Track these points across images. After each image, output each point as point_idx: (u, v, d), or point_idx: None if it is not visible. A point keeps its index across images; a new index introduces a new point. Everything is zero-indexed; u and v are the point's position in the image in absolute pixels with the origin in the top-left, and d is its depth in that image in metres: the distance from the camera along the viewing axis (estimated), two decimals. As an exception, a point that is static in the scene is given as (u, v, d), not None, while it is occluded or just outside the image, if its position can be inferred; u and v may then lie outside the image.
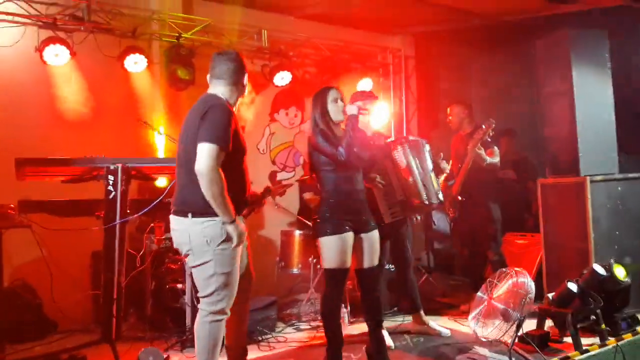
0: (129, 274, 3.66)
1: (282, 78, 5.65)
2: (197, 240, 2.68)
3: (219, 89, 2.85)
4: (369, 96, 3.93)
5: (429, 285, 5.34)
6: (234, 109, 2.86)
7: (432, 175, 3.88)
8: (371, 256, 3.32)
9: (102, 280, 3.51)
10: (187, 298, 3.94)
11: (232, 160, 2.72)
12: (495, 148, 4.59)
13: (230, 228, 2.66)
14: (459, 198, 4.56)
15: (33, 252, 3.49)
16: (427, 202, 3.73)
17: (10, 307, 3.85)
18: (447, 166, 4.69)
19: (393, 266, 4.44)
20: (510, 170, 5.57)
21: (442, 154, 4.62)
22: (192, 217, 2.67)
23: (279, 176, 5.99)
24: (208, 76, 2.93)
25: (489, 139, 4.46)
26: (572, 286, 3.70)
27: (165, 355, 3.59)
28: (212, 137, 2.60)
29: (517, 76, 6.14)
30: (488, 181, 4.63)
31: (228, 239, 2.67)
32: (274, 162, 6.02)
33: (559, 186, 4.55)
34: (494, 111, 6.07)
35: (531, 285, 3.45)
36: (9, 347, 3.73)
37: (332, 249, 3.18)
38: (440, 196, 3.87)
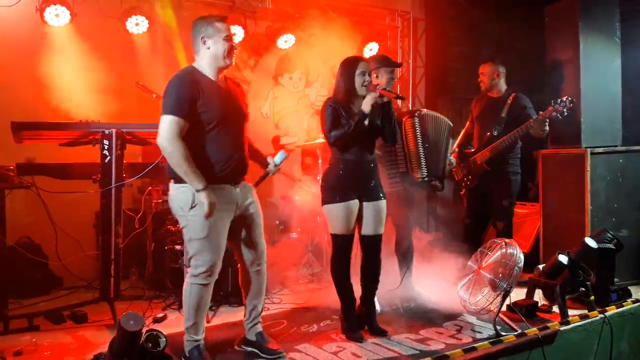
0: (129, 235, 3.78)
1: (286, 41, 5.60)
2: (174, 205, 2.85)
3: (196, 59, 2.90)
4: (389, 64, 3.85)
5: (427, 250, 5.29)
6: (219, 77, 2.87)
7: (446, 152, 3.94)
8: (376, 224, 3.40)
9: (100, 241, 3.66)
10: (185, 259, 3.97)
11: (206, 129, 2.76)
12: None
13: (200, 196, 2.71)
14: (487, 167, 4.44)
15: (38, 212, 3.61)
16: (425, 179, 3.79)
17: (16, 264, 3.99)
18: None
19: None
20: None
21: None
22: (174, 183, 2.83)
23: (282, 140, 5.98)
24: None
25: (559, 117, 4.15)
26: (563, 258, 3.74)
27: (162, 314, 3.75)
28: (165, 108, 2.70)
29: (533, 41, 5.96)
30: (516, 152, 4.50)
31: (198, 205, 2.74)
32: (277, 126, 6.02)
33: (559, 157, 4.55)
34: (507, 75, 6.00)
35: (520, 256, 3.46)
36: (14, 302, 3.88)
37: (337, 216, 3.30)
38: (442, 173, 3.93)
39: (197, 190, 2.71)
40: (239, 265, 3.14)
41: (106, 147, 3.49)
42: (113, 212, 3.59)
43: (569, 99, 4.14)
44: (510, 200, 4.51)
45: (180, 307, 3.94)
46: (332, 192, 3.33)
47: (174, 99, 2.71)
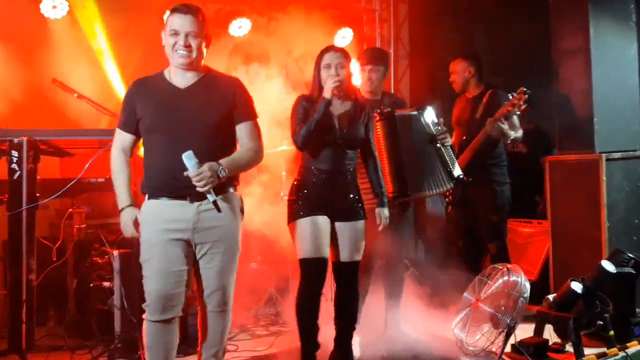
0: (45, 269, 3.74)
1: (240, 26, 5.59)
2: None
3: None
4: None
5: (414, 280, 5.23)
6: (188, 76, 2.95)
7: (435, 162, 4.02)
8: (351, 249, 3.47)
9: (8, 278, 3.58)
10: (115, 298, 3.99)
11: (145, 137, 2.99)
12: (515, 118, 4.56)
13: (121, 215, 2.99)
14: (464, 178, 4.51)
15: None
16: (396, 194, 3.86)
17: None
18: None
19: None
20: (519, 143, 5.46)
21: (441, 119, 4.50)
22: None
23: None
24: None
25: (518, 113, 4.36)
26: (576, 286, 3.79)
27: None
28: None
29: (535, 27, 6.06)
30: (499, 158, 4.66)
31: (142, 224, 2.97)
32: None
33: (569, 164, 4.62)
34: (506, 68, 6.01)
35: (525, 285, 3.55)
36: None
37: (302, 234, 3.35)
38: (431, 189, 4.02)
39: (120, 209, 2.98)
40: (197, 303, 3.14)
41: (15, 159, 3.46)
42: (24, 241, 3.54)
43: (524, 89, 4.23)
44: (499, 215, 4.62)
45: (110, 358, 3.90)
46: (298, 206, 3.39)
47: (121, 109, 3.02)
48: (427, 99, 5.35)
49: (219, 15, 5.61)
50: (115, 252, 4.05)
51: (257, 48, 5.96)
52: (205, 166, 2.75)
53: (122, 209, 2.98)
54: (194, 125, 2.91)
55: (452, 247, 5.21)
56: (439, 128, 4.09)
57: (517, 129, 4.57)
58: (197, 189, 2.77)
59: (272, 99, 6.28)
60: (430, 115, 4.07)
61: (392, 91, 6.56)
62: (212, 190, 2.79)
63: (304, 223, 3.37)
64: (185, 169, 2.74)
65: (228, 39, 5.75)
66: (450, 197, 4.73)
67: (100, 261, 4.23)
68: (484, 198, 4.62)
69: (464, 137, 4.66)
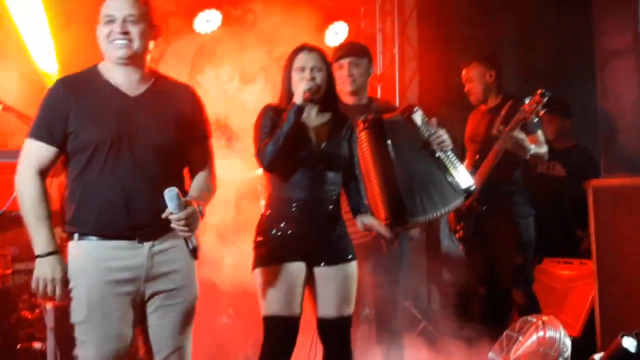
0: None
1: (208, 20, 5.67)
2: None
3: None
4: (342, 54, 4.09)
5: (428, 338, 5.33)
6: (133, 77, 2.92)
7: (429, 166, 3.95)
8: (339, 301, 3.40)
9: None
10: None
11: (82, 158, 2.82)
12: (540, 132, 4.60)
13: (39, 265, 2.78)
14: (479, 207, 4.62)
15: None
16: (391, 221, 3.73)
17: None
18: None
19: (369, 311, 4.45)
20: (556, 163, 5.64)
21: (434, 119, 4.39)
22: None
23: None
24: None
25: (536, 119, 4.42)
26: (629, 343, 3.72)
27: None
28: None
29: (572, 21, 6.16)
30: (520, 183, 4.69)
31: (74, 274, 2.82)
32: None
33: (618, 190, 4.59)
34: (537, 74, 6.13)
35: (565, 342, 3.53)
36: None
37: (272, 286, 3.31)
38: (436, 210, 3.92)
39: (36, 256, 2.77)
40: None
41: None
42: None
43: (542, 91, 4.25)
44: (524, 254, 4.63)
45: None
46: (266, 250, 3.34)
47: (37, 116, 2.82)
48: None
49: (181, 8, 5.61)
50: (49, 305, 4.00)
51: (229, 47, 5.95)
52: (190, 208, 2.76)
53: (44, 255, 2.78)
54: (148, 146, 2.87)
55: (473, 296, 5.26)
56: (431, 129, 4.00)
57: (541, 144, 4.58)
58: (180, 234, 2.78)
59: (249, 110, 6.27)
60: (419, 116, 3.99)
61: (397, 101, 6.55)
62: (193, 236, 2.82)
63: (272, 272, 3.32)
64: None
65: (193, 37, 5.80)
66: (462, 232, 4.76)
67: (29, 316, 4.26)
68: (505, 234, 4.64)
69: (477, 156, 4.69)
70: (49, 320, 3.97)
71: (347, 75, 4.09)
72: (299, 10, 5.90)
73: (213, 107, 5.83)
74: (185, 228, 2.75)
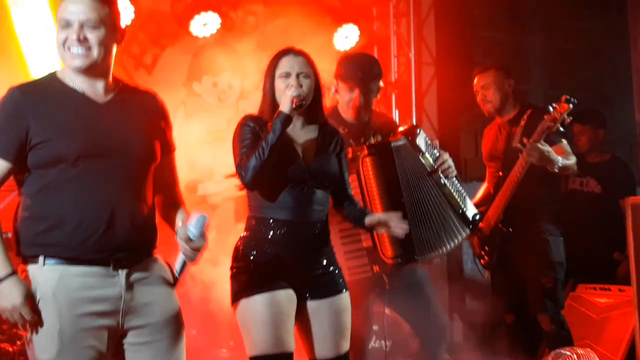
0: None
1: (206, 24, 5.67)
2: None
3: None
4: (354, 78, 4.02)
5: None
6: (98, 84, 2.83)
7: (436, 197, 3.97)
8: (336, 338, 3.33)
9: None
10: None
11: (48, 174, 2.71)
12: (565, 142, 4.55)
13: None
14: (504, 229, 4.61)
15: None
16: (399, 259, 3.77)
17: None
18: None
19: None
20: (590, 179, 5.67)
21: (436, 141, 4.38)
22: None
23: (202, 189, 5.91)
24: None
25: (562, 129, 4.36)
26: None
27: None
28: None
29: (606, 22, 6.27)
30: (547, 199, 4.69)
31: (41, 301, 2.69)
32: (192, 165, 5.88)
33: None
34: (566, 80, 6.18)
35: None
36: None
37: (259, 320, 3.20)
38: (445, 245, 3.98)
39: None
40: None
41: None
42: None
43: (566, 97, 4.21)
44: (553, 276, 4.58)
45: None
46: (248, 277, 3.25)
47: None
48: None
49: (177, 10, 5.65)
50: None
51: (229, 53, 5.97)
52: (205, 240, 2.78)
53: (3, 278, 2.64)
54: (126, 155, 2.82)
55: (499, 326, 5.19)
56: (435, 153, 4.06)
57: (569, 155, 4.54)
58: (187, 260, 2.79)
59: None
60: (422, 140, 4.02)
61: (414, 113, 6.54)
62: None
63: (258, 303, 3.19)
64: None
65: (189, 41, 5.87)
66: (486, 257, 4.75)
67: (10, 349, 4.24)
68: (533, 254, 4.61)
69: (501, 173, 4.70)
70: (32, 354, 3.77)
71: (356, 105, 4.05)
72: (306, 12, 5.88)
73: (211, 117, 6.06)
74: (195, 257, 2.78)
